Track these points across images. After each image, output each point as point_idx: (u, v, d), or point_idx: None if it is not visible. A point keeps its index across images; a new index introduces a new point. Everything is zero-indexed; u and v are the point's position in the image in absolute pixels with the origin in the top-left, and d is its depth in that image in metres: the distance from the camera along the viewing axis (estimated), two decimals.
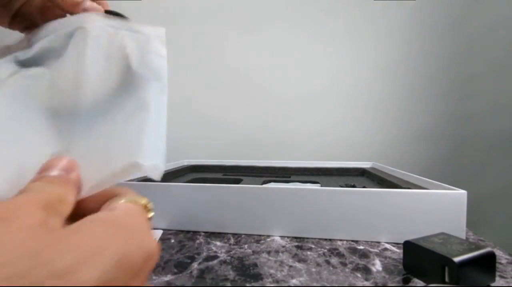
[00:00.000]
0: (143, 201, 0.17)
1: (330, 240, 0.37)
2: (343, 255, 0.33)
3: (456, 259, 0.24)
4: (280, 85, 0.85)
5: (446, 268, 0.24)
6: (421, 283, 0.27)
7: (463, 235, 0.34)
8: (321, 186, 0.49)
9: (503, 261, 0.31)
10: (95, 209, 0.16)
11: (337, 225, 0.37)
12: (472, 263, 0.24)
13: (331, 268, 0.30)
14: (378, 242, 0.36)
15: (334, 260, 0.32)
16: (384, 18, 0.79)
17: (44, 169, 0.15)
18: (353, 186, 0.47)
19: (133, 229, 0.14)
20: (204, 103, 0.86)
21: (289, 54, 0.84)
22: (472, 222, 0.37)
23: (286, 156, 0.81)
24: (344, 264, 0.31)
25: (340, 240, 0.37)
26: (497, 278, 0.27)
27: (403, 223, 0.35)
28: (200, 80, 0.87)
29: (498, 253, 0.32)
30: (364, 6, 0.79)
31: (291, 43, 0.84)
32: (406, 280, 0.28)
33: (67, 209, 0.14)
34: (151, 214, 0.17)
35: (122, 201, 0.16)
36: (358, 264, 0.31)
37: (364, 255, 0.33)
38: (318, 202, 0.37)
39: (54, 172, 0.15)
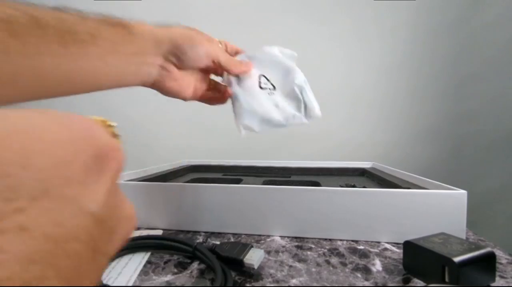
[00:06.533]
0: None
1: (330, 240, 0.37)
2: (343, 255, 0.33)
3: (456, 259, 0.24)
4: None
5: (446, 268, 0.24)
6: (421, 283, 0.27)
7: (463, 235, 0.34)
8: (321, 186, 0.48)
9: (503, 261, 0.31)
10: None
11: (337, 225, 0.37)
12: (472, 263, 0.24)
13: (331, 268, 0.30)
14: (378, 242, 0.36)
15: (334, 260, 0.32)
16: (384, 19, 0.79)
17: None
18: (353, 186, 0.47)
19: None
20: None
21: None
22: (472, 222, 0.37)
23: (286, 156, 0.81)
24: (344, 264, 0.31)
25: (340, 240, 0.37)
26: (497, 278, 0.27)
27: (403, 223, 0.35)
28: None
29: (498, 253, 0.32)
30: (365, 7, 0.79)
31: (293, 43, 0.84)
32: (406, 280, 0.28)
33: None
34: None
35: None
36: (358, 264, 0.31)
37: (364, 255, 0.33)
38: (318, 202, 0.37)
39: None
